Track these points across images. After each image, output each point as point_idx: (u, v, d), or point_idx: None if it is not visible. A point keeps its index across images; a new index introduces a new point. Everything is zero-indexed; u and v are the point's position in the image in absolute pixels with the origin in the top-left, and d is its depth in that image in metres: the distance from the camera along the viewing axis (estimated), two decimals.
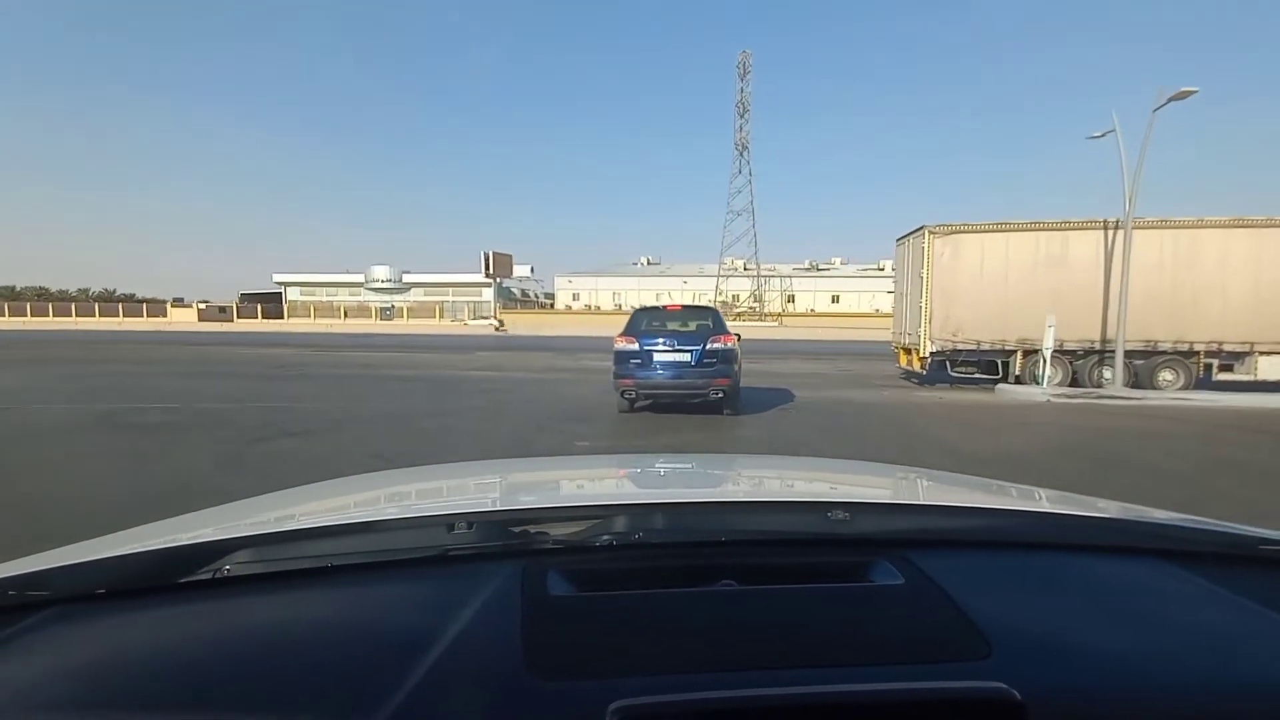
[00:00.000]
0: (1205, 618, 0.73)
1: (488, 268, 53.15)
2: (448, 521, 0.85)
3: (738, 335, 8.44)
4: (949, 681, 0.58)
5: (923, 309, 12.42)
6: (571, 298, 70.97)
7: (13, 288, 79.83)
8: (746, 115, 62.11)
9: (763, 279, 63.54)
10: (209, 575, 0.75)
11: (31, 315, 60.87)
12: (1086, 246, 11.96)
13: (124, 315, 60.43)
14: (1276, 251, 11.41)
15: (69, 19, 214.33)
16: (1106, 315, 11.79)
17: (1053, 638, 0.66)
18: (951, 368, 12.76)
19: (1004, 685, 0.56)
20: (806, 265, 72.78)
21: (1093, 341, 12.04)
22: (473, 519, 0.86)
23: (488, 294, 60.41)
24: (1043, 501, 1.15)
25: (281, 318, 63.31)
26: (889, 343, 15.55)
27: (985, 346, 12.37)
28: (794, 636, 0.65)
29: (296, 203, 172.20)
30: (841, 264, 72.35)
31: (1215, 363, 11.86)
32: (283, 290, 69.81)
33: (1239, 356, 11.78)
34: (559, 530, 0.87)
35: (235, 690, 0.57)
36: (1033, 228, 12.20)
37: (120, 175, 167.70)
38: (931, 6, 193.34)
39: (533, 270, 70.77)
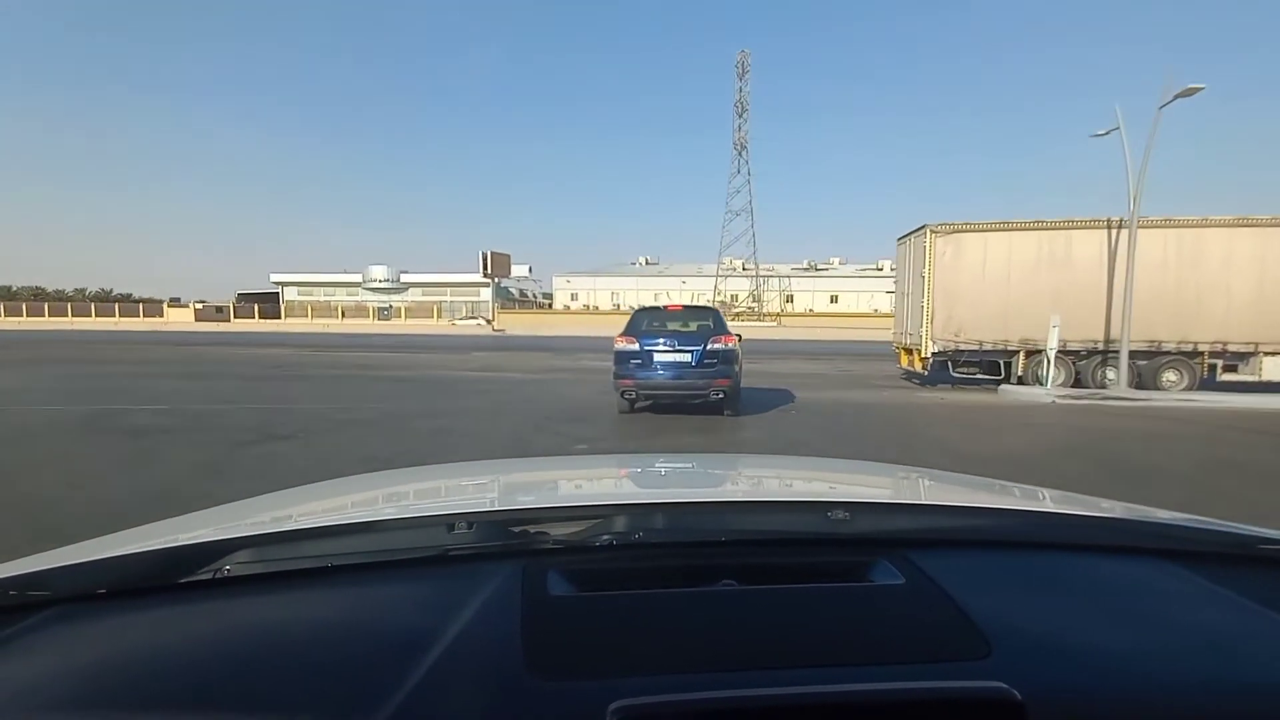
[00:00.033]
0: (1206, 617, 0.73)
1: (485, 268, 53.00)
2: (448, 521, 0.85)
3: (739, 335, 8.38)
4: (949, 681, 0.58)
5: (924, 309, 12.32)
6: (570, 298, 70.87)
7: (9, 287, 79.65)
8: (745, 115, 62.23)
9: (761, 279, 63.46)
10: (209, 575, 0.75)
11: (28, 315, 60.85)
12: (1090, 246, 11.86)
13: (120, 315, 60.24)
14: None
15: (69, 19, 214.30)
16: (1110, 315, 11.69)
17: (1053, 637, 0.66)
18: (953, 368, 12.65)
19: (1004, 685, 0.56)
20: (805, 265, 72.84)
21: (1096, 342, 11.94)
22: (473, 519, 0.86)
23: (486, 294, 60.28)
24: (1043, 501, 1.15)
25: (278, 318, 63.26)
26: (888, 343, 15.48)
27: (987, 347, 12.26)
28: (794, 636, 0.65)
29: (295, 202, 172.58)
30: (840, 264, 72.44)
31: (1219, 363, 11.77)
32: (280, 290, 69.72)
33: (1243, 357, 11.70)
34: (559, 530, 0.86)
35: (236, 690, 0.57)
36: (1036, 227, 12.09)
37: (118, 175, 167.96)
38: (931, 6, 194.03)
39: (531, 270, 70.89)
